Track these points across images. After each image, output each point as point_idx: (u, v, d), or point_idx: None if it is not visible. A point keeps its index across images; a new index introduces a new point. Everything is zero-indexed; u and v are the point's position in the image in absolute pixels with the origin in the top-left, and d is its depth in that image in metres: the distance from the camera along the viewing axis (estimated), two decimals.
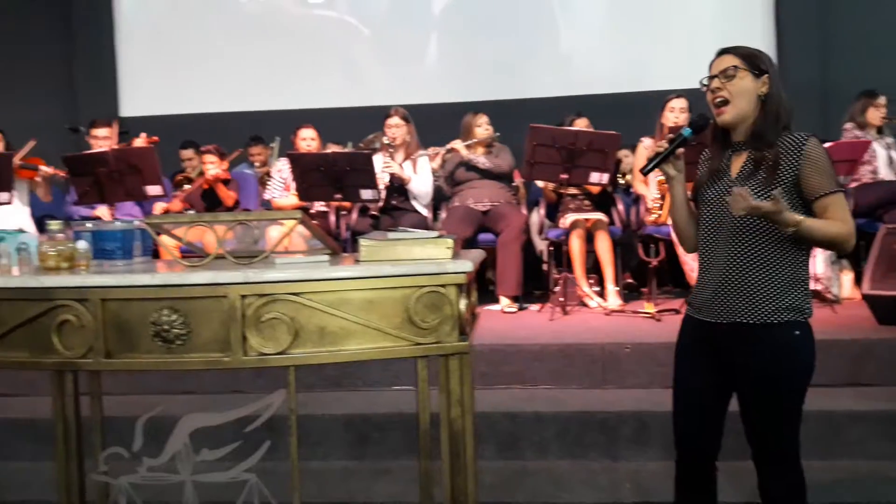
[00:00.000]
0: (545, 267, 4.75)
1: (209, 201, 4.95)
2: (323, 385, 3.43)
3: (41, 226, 4.86)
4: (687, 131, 1.90)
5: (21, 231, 4.67)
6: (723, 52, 1.87)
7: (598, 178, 4.18)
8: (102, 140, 4.92)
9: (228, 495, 1.88)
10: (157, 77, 6.64)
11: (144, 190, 4.32)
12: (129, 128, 5.42)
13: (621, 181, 5.16)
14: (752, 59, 1.83)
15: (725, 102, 1.83)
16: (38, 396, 3.21)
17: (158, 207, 4.92)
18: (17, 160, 4.58)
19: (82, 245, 1.94)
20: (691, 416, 1.94)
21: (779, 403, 1.82)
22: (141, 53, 6.74)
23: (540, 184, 4.79)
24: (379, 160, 4.61)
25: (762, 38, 5.90)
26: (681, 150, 1.91)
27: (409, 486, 2.55)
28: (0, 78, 6.41)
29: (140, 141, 4.78)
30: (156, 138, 4.77)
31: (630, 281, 4.83)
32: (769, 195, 1.69)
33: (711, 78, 1.84)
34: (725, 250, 1.83)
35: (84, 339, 1.79)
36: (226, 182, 4.94)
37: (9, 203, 4.33)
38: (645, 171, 1.96)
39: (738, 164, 1.86)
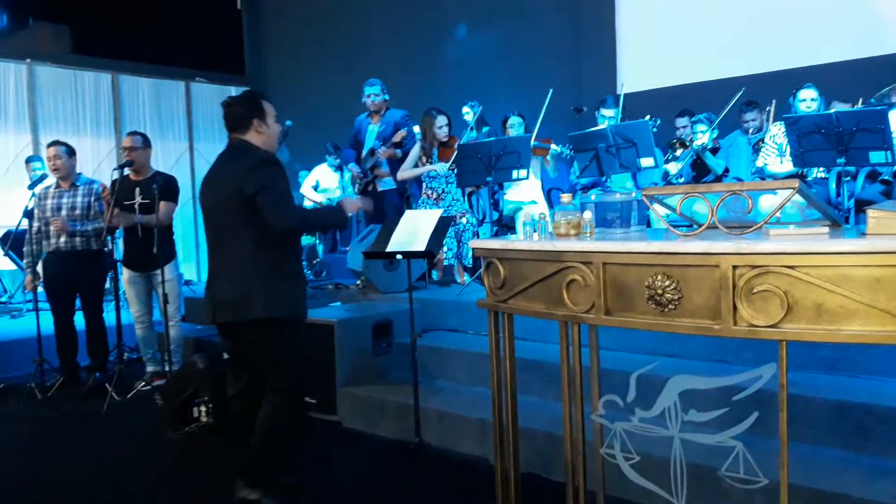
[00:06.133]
0: None
1: (698, 170, 5.00)
2: (816, 366, 3.22)
3: (548, 197, 5.60)
4: None
5: (534, 202, 5.50)
6: None
7: None
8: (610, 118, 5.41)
9: (712, 459, 1.93)
10: (650, 54, 6.89)
11: (638, 162, 4.61)
12: (627, 103, 5.78)
13: None
14: None
15: None
16: (547, 343, 3.76)
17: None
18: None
19: (587, 215, 2.20)
20: None
21: None
22: (636, 35, 7.07)
23: None
24: None
25: None
26: None
27: None
28: (521, 70, 7.49)
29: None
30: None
31: None
32: None
33: None
34: None
35: (588, 297, 2.04)
36: (714, 150, 4.90)
37: (527, 178, 5.07)
38: None
39: None
